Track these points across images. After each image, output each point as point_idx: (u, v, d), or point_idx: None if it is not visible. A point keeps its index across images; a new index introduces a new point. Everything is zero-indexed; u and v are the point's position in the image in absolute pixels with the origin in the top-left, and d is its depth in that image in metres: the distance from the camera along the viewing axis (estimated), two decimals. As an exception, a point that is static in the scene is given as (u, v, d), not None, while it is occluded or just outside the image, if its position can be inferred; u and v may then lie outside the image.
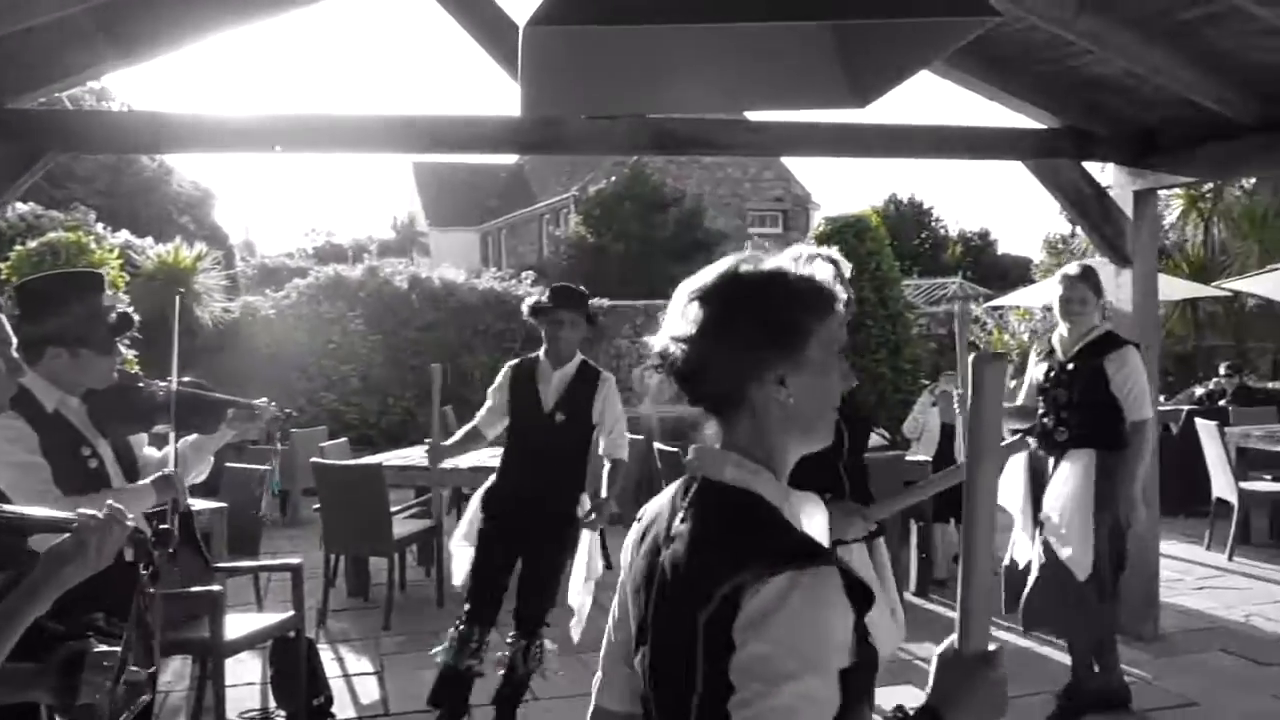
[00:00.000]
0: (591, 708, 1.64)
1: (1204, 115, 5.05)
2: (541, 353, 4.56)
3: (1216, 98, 4.90)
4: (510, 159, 36.96)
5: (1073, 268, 4.61)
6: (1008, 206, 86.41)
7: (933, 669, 1.34)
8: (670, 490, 1.53)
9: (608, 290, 18.41)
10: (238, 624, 4.41)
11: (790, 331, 1.39)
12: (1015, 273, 25.17)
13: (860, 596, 1.29)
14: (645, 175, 24.97)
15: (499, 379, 4.70)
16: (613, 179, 25.42)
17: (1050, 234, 25.75)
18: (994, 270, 26.92)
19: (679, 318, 1.43)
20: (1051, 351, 4.63)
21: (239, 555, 5.61)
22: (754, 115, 7.80)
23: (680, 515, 1.43)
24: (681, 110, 4.68)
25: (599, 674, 1.63)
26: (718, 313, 1.40)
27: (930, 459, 6.95)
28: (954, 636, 1.34)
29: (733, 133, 5.35)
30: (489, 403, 4.70)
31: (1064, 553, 4.34)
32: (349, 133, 5.05)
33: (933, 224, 34.03)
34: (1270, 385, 12.32)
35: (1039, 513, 4.51)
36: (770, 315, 1.39)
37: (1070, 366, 4.47)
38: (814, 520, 1.34)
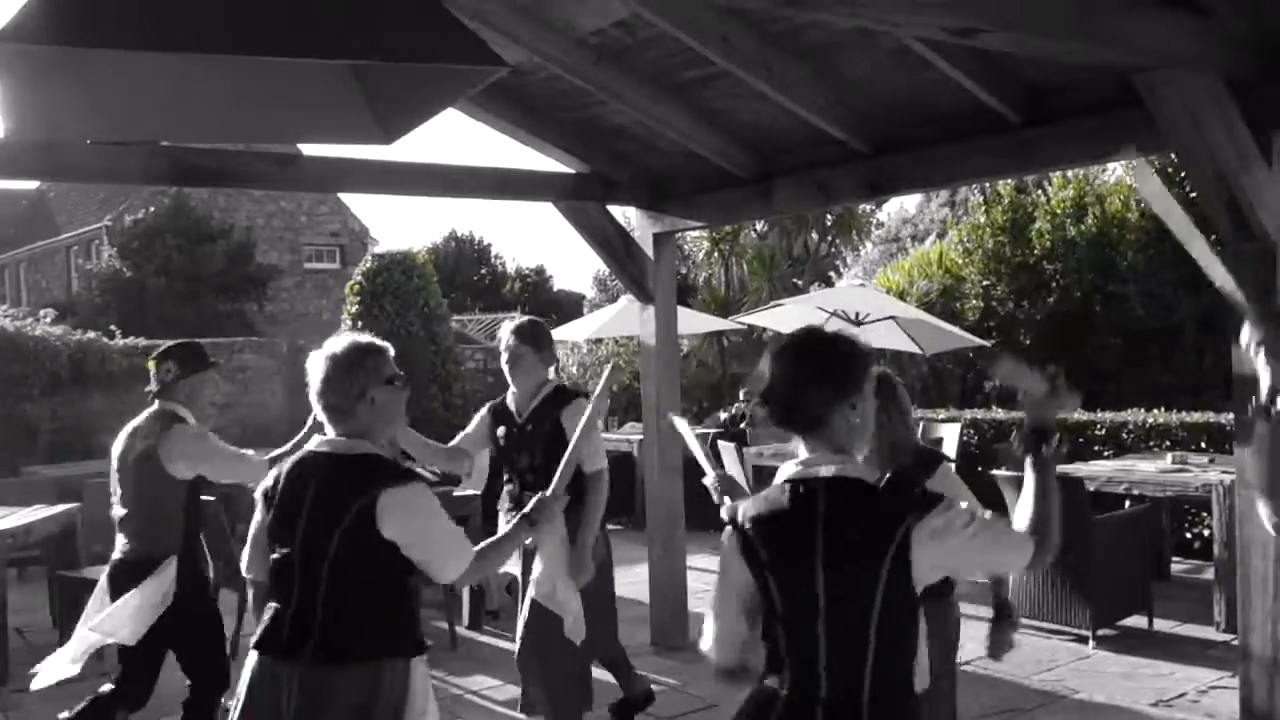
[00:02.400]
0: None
1: (708, 165, 5.61)
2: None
3: (716, 150, 5.46)
4: (31, 184, 33.11)
5: (509, 325, 4.46)
6: (562, 244, 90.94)
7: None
8: (784, 496, 2.13)
9: (147, 329, 17.03)
10: None
11: (859, 374, 2.16)
12: (569, 308, 26.43)
13: None
14: (189, 206, 23.38)
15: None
16: (152, 209, 23.55)
17: (599, 271, 27.50)
18: (550, 305, 28.11)
19: (773, 368, 2.20)
20: (506, 410, 4.46)
21: None
22: (292, 149, 7.59)
23: (824, 502, 2.07)
24: (201, 140, 4.42)
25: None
26: (815, 365, 2.16)
27: (480, 493, 6.98)
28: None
29: (261, 166, 5.08)
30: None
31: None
32: None
33: (493, 260, 35.03)
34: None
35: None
36: (849, 364, 2.16)
37: (528, 426, 4.34)
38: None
